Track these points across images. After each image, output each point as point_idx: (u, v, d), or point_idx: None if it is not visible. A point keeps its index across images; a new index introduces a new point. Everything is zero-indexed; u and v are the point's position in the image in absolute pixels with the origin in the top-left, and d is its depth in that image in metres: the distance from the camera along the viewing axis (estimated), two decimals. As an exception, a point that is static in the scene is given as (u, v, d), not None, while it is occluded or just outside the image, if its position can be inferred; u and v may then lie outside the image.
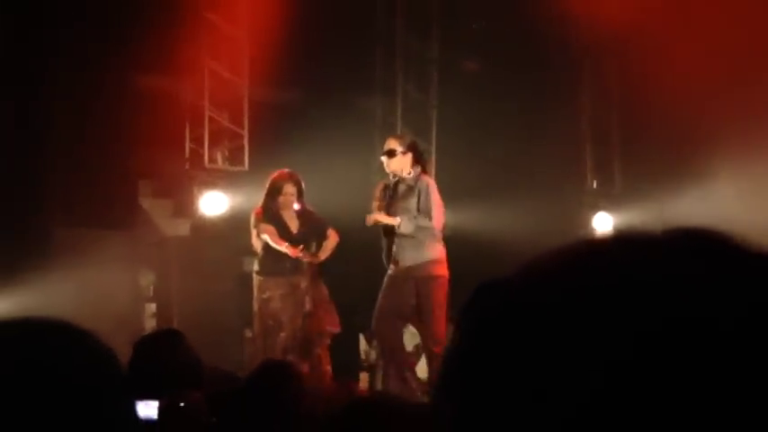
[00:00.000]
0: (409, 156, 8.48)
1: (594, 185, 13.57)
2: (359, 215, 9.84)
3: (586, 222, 12.75)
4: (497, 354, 0.75)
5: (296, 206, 9.17)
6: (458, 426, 0.76)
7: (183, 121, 12.04)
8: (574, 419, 0.71)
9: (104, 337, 1.34)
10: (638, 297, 0.73)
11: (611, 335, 0.72)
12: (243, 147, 12.17)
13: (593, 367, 0.71)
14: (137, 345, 4.43)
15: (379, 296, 8.56)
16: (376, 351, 13.12)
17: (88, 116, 10.94)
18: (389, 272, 8.52)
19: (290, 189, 9.12)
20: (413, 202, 8.39)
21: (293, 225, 9.16)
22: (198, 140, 12.08)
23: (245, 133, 12.15)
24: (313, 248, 9.24)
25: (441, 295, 8.27)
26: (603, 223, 12.82)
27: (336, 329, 9.19)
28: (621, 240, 0.80)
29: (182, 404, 3.79)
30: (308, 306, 9.01)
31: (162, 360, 4.20)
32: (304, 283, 9.07)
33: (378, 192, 8.70)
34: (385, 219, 8.43)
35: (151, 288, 12.60)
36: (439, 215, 8.41)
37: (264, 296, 9.08)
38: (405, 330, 8.96)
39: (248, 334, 10.57)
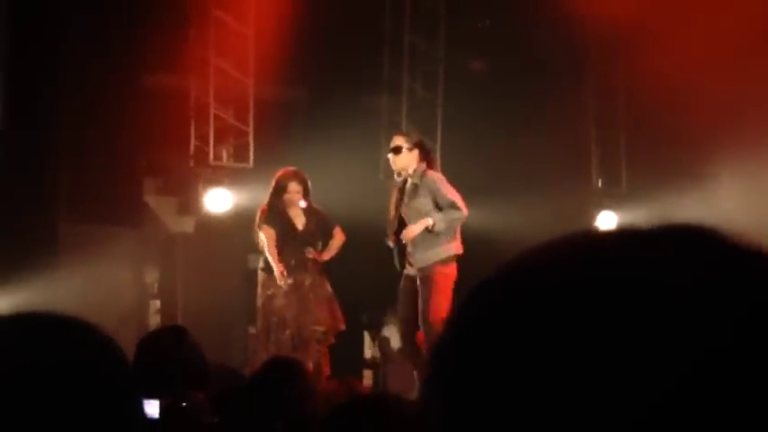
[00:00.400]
0: (416, 152, 8.40)
1: (599, 184, 13.56)
2: (363, 213, 9.84)
3: (591, 221, 12.73)
4: (482, 350, 0.75)
5: (302, 204, 9.16)
6: (444, 423, 0.76)
7: (188, 119, 12.05)
8: (558, 417, 0.71)
9: (109, 333, 1.35)
10: (628, 294, 0.72)
11: (598, 333, 0.71)
12: (248, 144, 12.18)
13: (579, 365, 0.71)
14: (141, 341, 4.43)
15: (399, 297, 8.52)
16: (380, 349, 13.14)
17: (94, 113, 10.95)
18: (405, 272, 8.43)
19: (295, 187, 9.12)
20: (420, 200, 8.31)
21: (299, 223, 9.16)
22: (203, 138, 12.08)
23: (251, 131, 12.15)
24: (319, 246, 9.24)
25: (443, 298, 8.04)
26: (608, 222, 12.81)
27: (340, 328, 9.19)
28: (611, 237, 0.79)
29: (184, 404, 3.78)
30: (313, 304, 9.01)
31: (166, 357, 4.20)
32: (308, 281, 9.07)
33: (393, 198, 8.60)
34: (418, 228, 8.22)
35: (156, 285, 12.63)
36: (461, 201, 8.27)
37: (269, 293, 9.08)
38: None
39: (252, 331, 10.58)
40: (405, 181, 8.48)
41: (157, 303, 12.42)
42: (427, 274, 8.22)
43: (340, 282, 9.41)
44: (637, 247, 0.76)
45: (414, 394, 8.10)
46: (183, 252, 12.09)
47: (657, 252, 0.75)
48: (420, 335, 8.42)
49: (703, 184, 11.35)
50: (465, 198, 8.41)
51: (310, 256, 9.07)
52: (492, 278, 0.79)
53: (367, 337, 13.43)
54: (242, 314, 10.95)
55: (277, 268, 8.96)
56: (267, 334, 9.06)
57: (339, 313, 9.15)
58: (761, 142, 10.72)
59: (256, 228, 9.21)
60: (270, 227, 9.11)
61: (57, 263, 10.26)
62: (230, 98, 12.21)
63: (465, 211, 8.26)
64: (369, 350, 13.40)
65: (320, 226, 9.24)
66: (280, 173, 9.24)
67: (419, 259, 8.27)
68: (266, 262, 9.17)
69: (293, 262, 9.05)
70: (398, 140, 8.53)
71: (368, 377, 12.48)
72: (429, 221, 8.20)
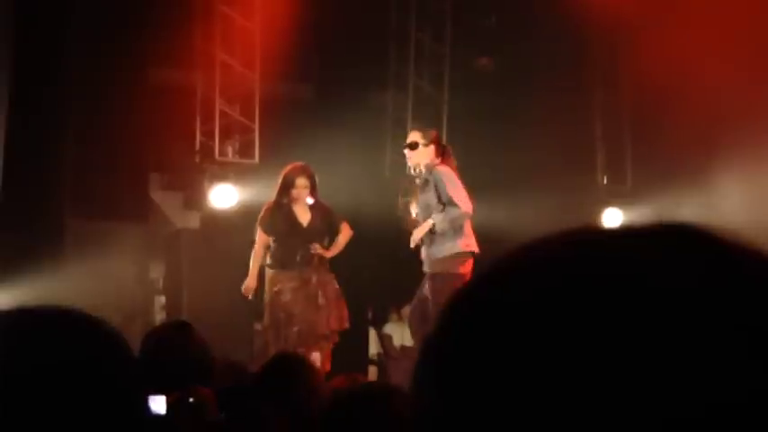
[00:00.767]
0: (431, 148, 8.33)
1: (605, 181, 13.55)
2: (369, 209, 9.85)
3: (596, 218, 12.73)
4: (469, 351, 0.74)
5: (310, 200, 9.16)
6: (433, 421, 0.75)
7: (194, 115, 12.05)
8: (548, 418, 0.70)
9: (115, 328, 1.35)
10: (625, 297, 0.71)
11: (591, 336, 0.70)
12: (254, 140, 12.17)
13: (566, 367, 0.70)
14: (146, 337, 4.44)
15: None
16: (382, 346, 13.15)
17: (99, 109, 10.95)
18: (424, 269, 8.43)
19: (302, 182, 9.10)
20: (430, 195, 8.24)
21: (304, 219, 9.15)
22: (209, 134, 12.08)
23: (257, 127, 12.15)
24: (326, 242, 9.24)
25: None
26: (614, 219, 12.80)
27: (345, 326, 9.17)
28: (609, 235, 0.79)
29: (191, 400, 3.78)
30: (321, 301, 9.01)
31: (171, 352, 4.20)
32: (315, 277, 9.06)
33: (413, 192, 8.57)
34: (422, 231, 8.19)
35: (161, 280, 12.63)
36: (462, 198, 8.16)
37: (275, 289, 9.08)
38: (404, 325, 8.89)
39: (258, 327, 10.58)
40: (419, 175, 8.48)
41: (163, 299, 12.43)
42: (435, 272, 8.22)
43: (345, 278, 9.41)
44: (635, 247, 0.75)
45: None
46: (189, 248, 12.09)
47: (656, 253, 0.74)
48: None
49: (709, 181, 11.34)
50: (469, 195, 8.37)
51: (317, 252, 9.06)
52: (483, 276, 0.78)
53: (372, 333, 13.43)
54: (247, 310, 10.95)
55: (249, 278, 9.05)
56: (275, 330, 9.06)
57: (345, 312, 9.14)
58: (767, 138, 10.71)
59: (257, 224, 9.23)
60: (264, 232, 9.13)
61: (62, 258, 10.28)
62: (236, 94, 12.21)
63: (465, 208, 8.15)
64: (374, 347, 13.41)
65: (326, 222, 9.23)
66: (287, 168, 9.23)
67: (425, 258, 8.28)
68: (272, 258, 9.17)
69: (298, 258, 9.04)
70: (415, 136, 8.47)
71: (373, 374, 12.48)
72: (430, 222, 8.17)
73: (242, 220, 10.96)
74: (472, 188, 8.57)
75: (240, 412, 3.65)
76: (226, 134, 12.18)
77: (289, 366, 4.47)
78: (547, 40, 12.38)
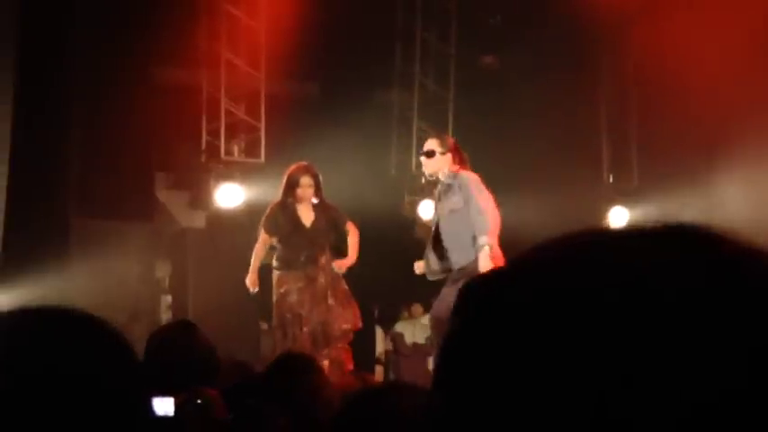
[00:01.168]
0: (449, 156, 8.06)
1: (611, 180, 13.55)
2: (374, 208, 9.84)
3: (602, 216, 12.72)
4: (482, 350, 0.75)
5: (314, 200, 9.15)
6: (447, 420, 0.76)
7: (199, 114, 12.06)
8: (557, 418, 0.70)
9: (120, 329, 1.34)
10: (630, 301, 0.71)
11: (594, 335, 0.71)
12: (259, 139, 12.18)
13: (572, 366, 0.70)
14: (151, 336, 4.43)
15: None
16: (394, 344, 13.15)
17: (105, 108, 10.96)
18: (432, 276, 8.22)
19: (307, 181, 9.09)
20: (453, 198, 7.97)
21: (308, 219, 9.13)
22: (214, 133, 12.09)
23: (262, 126, 12.16)
24: (330, 241, 9.22)
25: None
26: (620, 218, 12.80)
27: (358, 326, 9.16)
28: (615, 239, 0.79)
29: (199, 401, 3.78)
30: (330, 301, 8.99)
31: (177, 352, 4.20)
32: (323, 278, 9.05)
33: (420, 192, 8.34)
34: (484, 263, 7.63)
35: (167, 280, 12.64)
36: (489, 209, 7.86)
37: (281, 290, 9.07)
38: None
39: (264, 326, 10.58)
40: (436, 184, 8.24)
41: (168, 298, 12.44)
42: (468, 272, 7.98)
43: (351, 277, 9.41)
44: (640, 249, 0.75)
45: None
46: (195, 247, 12.10)
47: (660, 255, 0.74)
48: None
49: (715, 180, 11.33)
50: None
51: (341, 270, 9.02)
52: (492, 278, 0.79)
53: (379, 332, 13.45)
54: (252, 309, 10.95)
55: (250, 273, 9.05)
56: (283, 330, 9.06)
57: (357, 311, 9.13)
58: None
59: (260, 224, 9.22)
60: (267, 232, 9.13)
61: (68, 258, 10.29)
62: (242, 93, 12.22)
63: (495, 223, 7.82)
64: (380, 345, 13.42)
65: (331, 222, 9.22)
66: (292, 168, 9.23)
67: (456, 261, 7.99)
68: (278, 259, 9.17)
69: (303, 258, 9.04)
70: (432, 144, 8.21)
71: (379, 373, 12.49)
72: (486, 250, 7.70)
73: (248, 220, 10.96)
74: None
75: (245, 412, 3.65)
76: (231, 133, 12.19)
77: (293, 366, 4.47)
78: (552, 38, 12.37)
